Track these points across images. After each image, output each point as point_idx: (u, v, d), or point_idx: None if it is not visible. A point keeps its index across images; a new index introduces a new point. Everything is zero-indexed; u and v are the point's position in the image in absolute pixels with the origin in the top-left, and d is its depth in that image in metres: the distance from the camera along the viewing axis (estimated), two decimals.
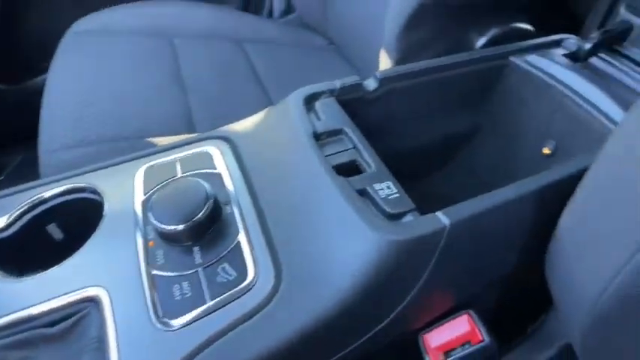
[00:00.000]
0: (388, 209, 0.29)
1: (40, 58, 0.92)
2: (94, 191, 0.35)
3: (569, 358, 0.42)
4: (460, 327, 0.34)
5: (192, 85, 0.68)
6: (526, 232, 0.33)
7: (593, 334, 0.32)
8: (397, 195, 0.30)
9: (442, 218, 0.28)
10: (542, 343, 0.42)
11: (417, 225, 0.28)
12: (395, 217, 0.29)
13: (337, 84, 0.40)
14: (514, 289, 0.40)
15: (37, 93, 0.69)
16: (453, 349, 0.34)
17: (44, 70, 0.84)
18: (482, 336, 0.33)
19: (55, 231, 0.37)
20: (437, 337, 0.34)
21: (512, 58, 0.47)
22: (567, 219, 0.30)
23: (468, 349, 0.33)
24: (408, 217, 0.29)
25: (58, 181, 0.36)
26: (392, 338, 0.32)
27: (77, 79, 0.65)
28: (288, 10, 0.97)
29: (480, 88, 0.48)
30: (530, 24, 0.55)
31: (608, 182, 0.27)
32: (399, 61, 0.52)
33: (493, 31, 0.53)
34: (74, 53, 0.71)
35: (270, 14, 1.01)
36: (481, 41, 0.53)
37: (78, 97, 0.60)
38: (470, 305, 0.35)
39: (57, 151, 0.52)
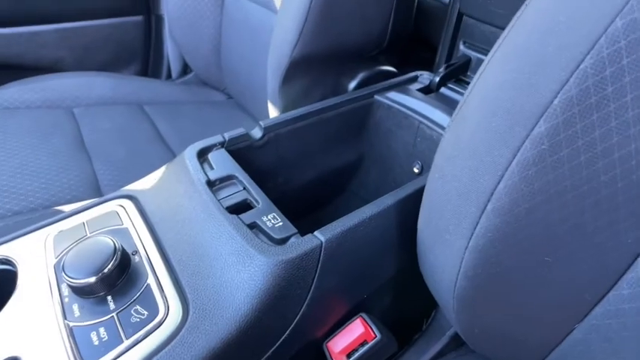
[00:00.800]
0: (274, 235, 0.34)
1: None
2: (7, 261, 0.37)
3: (459, 343, 0.49)
4: (356, 330, 0.39)
5: (96, 152, 0.70)
6: (395, 239, 0.40)
7: (462, 315, 0.38)
8: (281, 223, 0.36)
9: (318, 236, 0.34)
10: (436, 335, 0.48)
11: (298, 245, 0.33)
12: (280, 242, 0.34)
13: (226, 136, 0.46)
14: (404, 290, 0.46)
15: None
16: (354, 350, 0.39)
17: None
18: (375, 333, 0.39)
19: None
20: (338, 343, 0.39)
21: (376, 96, 0.56)
22: (420, 221, 0.37)
23: (365, 347, 0.38)
24: (292, 240, 0.34)
25: None
26: (298, 348, 0.37)
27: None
28: (185, 70, 1.03)
29: (355, 124, 0.56)
30: (393, 65, 0.65)
31: (437, 187, 0.35)
32: (283, 109, 0.59)
33: (361, 75, 0.62)
34: None
35: (169, 76, 1.06)
36: (352, 84, 0.62)
37: None
38: (365, 309, 0.41)
39: None
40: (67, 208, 0.56)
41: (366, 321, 0.39)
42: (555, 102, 0.27)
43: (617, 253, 0.28)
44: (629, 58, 0.24)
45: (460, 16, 0.59)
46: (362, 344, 0.39)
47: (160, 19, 1.03)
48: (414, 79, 0.60)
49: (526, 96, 0.28)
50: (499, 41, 0.31)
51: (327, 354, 0.39)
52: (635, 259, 0.28)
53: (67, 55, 0.97)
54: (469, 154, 0.31)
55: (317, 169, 0.56)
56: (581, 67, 0.26)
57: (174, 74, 1.04)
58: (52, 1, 0.92)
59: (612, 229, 0.27)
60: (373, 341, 0.38)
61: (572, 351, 0.35)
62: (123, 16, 1.00)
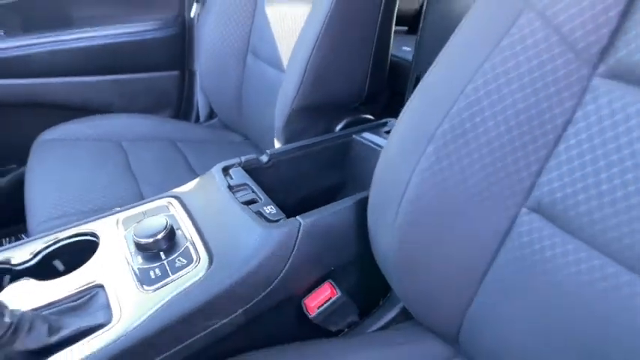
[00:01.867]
0: (270, 218, 0.53)
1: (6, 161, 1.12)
2: (92, 234, 0.56)
3: (407, 317, 0.65)
4: (325, 291, 0.57)
5: (141, 176, 0.90)
6: (354, 229, 0.57)
7: (400, 283, 0.55)
8: (275, 211, 0.54)
9: (299, 219, 0.52)
10: (388, 308, 0.65)
11: (284, 224, 0.51)
12: (273, 222, 0.52)
13: (242, 159, 0.65)
14: (365, 271, 0.63)
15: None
16: (322, 305, 0.56)
17: (11, 170, 1.04)
18: (337, 292, 0.56)
19: (58, 264, 0.56)
20: (313, 300, 0.56)
21: (354, 136, 0.75)
22: (368, 213, 0.55)
23: (329, 302, 0.55)
24: (281, 221, 0.52)
25: (62, 231, 0.57)
26: (281, 298, 0.54)
27: (50, 175, 0.85)
28: (211, 115, 1.24)
29: (339, 155, 0.75)
30: (370, 114, 0.85)
31: (376, 188, 0.53)
32: (285, 142, 0.78)
33: (345, 121, 0.82)
34: (45, 155, 0.91)
35: (197, 119, 1.28)
36: (338, 127, 0.82)
37: (54, 186, 0.80)
38: (334, 279, 0.58)
39: (44, 222, 0.71)
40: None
41: (332, 284, 0.56)
42: (439, 130, 0.46)
43: (502, 214, 0.45)
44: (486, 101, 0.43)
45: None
46: (327, 301, 0.56)
47: (192, 74, 1.27)
48: (384, 124, 0.79)
49: (426, 123, 0.47)
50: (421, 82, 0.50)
51: (304, 308, 0.56)
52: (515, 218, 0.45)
53: (117, 100, 1.20)
54: (394, 160, 0.49)
55: (309, 188, 0.74)
56: (453, 109, 0.45)
57: (201, 118, 1.26)
58: (110, 57, 1.16)
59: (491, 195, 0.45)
60: (335, 297, 0.55)
61: (479, 311, 0.50)
62: (163, 71, 1.24)
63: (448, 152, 0.46)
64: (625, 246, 0.37)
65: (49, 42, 1.11)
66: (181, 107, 1.30)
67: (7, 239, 1.16)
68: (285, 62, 0.92)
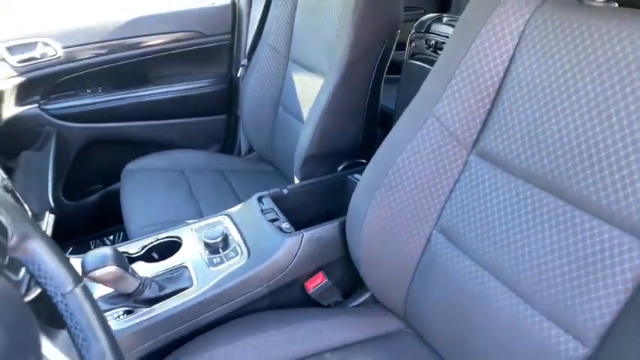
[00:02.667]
0: (285, 230, 0.86)
1: (94, 184, 1.51)
2: (177, 237, 0.91)
3: (375, 299, 0.96)
4: (318, 278, 0.89)
5: (200, 198, 1.25)
6: (338, 240, 0.90)
7: (364, 270, 0.87)
8: (288, 226, 0.88)
9: (302, 232, 0.86)
10: (362, 294, 0.96)
11: (293, 235, 0.85)
12: (286, 233, 0.86)
13: (270, 191, 0.99)
14: (346, 268, 0.94)
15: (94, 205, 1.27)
16: (316, 287, 0.89)
17: (98, 189, 1.42)
18: (326, 279, 0.89)
19: (155, 255, 0.91)
20: (310, 283, 0.89)
21: (349, 176, 1.08)
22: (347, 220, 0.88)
23: (320, 284, 0.88)
24: (292, 233, 0.86)
25: (158, 234, 0.92)
26: (290, 280, 0.87)
27: (138, 195, 1.22)
28: (250, 150, 1.60)
29: (337, 190, 1.08)
30: (365, 158, 1.18)
31: (350, 213, 0.85)
32: (301, 179, 1.12)
33: (345, 163, 1.16)
34: (132, 180, 1.29)
35: (239, 153, 1.64)
36: (340, 167, 1.15)
37: (142, 203, 1.17)
38: (325, 270, 0.91)
39: (139, 228, 1.07)
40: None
41: (323, 274, 0.89)
42: (384, 180, 0.78)
43: (422, 232, 0.77)
44: (408, 169, 0.76)
45: None
46: (319, 284, 0.89)
47: (237, 118, 1.63)
48: None
49: (379, 172, 0.79)
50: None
51: (305, 288, 0.89)
52: (430, 235, 0.77)
53: (178, 139, 1.58)
54: (359, 194, 0.82)
55: (314, 212, 1.07)
56: (392, 169, 0.77)
57: (242, 152, 1.62)
58: (175, 105, 1.54)
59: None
60: (324, 282, 0.88)
61: (414, 296, 0.81)
62: (214, 115, 1.61)
63: (388, 195, 0.78)
64: (488, 260, 0.68)
65: (131, 96, 1.50)
66: (227, 143, 1.67)
67: (108, 238, 1.56)
68: (305, 116, 1.26)
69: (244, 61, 1.47)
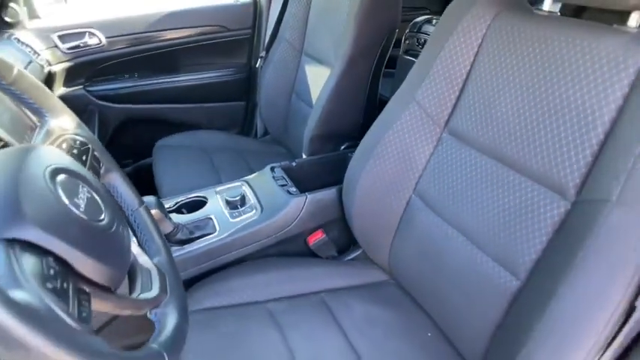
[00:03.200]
0: (292, 193, 1.04)
1: (126, 159, 1.71)
2: (204, 197, 1.09)
3: (366, 256, 1.14)
4: (318, 234, 1.08)
5: (220, 169, 1.44)
6: (336, 203, 1.08)
7: (357, 232, 1.05)
8: (295, 190, 1.06)
9: (307, 194, 1.04)
10: (355, 250, 1.14)
11: (299, 196, 1.03)
12: (293, 195, 1.04)
13: (282, 164, 1.17)
14: (342, 227, 1.12)
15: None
16: (315, 241, 1.07)
17: (128, 165, 1.61)
18: (324, 235, 1.07)
19: (184, 210, 1.10)
20: (311, 237, 1.08)
21: (349, 154, 1.25)
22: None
23: (318, 238, 1.07)
24: (298, 195, 1.04)
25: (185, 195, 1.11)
26: (295, 233, 1.05)
27: (169, 167, 1.41)
28: (266, 133, 1.79)
29: (338, 165, 1.26)
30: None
31: (345, 180, 1.03)
32: (309, 155, 1.30)
33: (347, 143, 1.33)
34: (164, 155, 1.48)
35: (256, 136, 1.83)
36: (342, 147, 1.33)
37: (173, 173, 1.36)
38: (324, 228, 1.09)
39: (171, 192, 1.26)
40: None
41: (322, 231, 1.07)
42: (373, 152, 0.96)
43: (404, 195, 0.95)
44: (393, 143, 0.94)
45: None
46: (317, 239, 1.07)
47: (254, 105, 1.82)
48: None
49: (369, 145, 0.98)
50: None
51: (307, 241, 1.07)
52: (409, 199, 0.95)
53: (202, 120, 1.77)
54: (353, 164, 1.00)
55: (318, 183, 1.25)
56: (379, 143, 0.95)
57: (258, 135, 1.81)
58: (201, 91, 1.74)
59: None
60: (322, 238, 1.06)
61: (395, 249, 0.99)
62: (234, 102, 1.80)
63: (377, 164, 0.96)
64: (451, 216, 0.85)
65: (163, 81, 1.70)
66: (245, 127, 1.86)
67: None
68: (314, 102, 1.44)
69: (263, 53, 1.65)
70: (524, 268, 0.72)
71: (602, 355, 0.60)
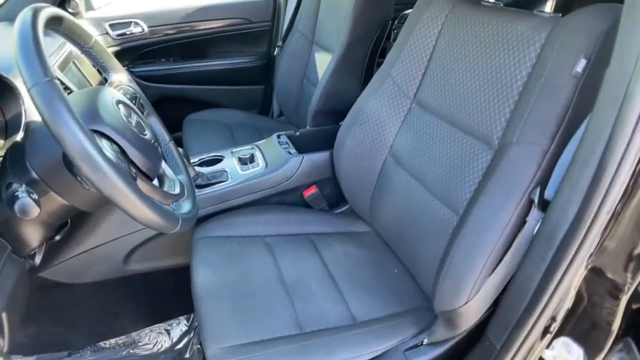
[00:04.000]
0: (292, 153, 1.27)
1: None
2: (221, 156, 1.33)
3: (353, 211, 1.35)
4: (312, 189, 1.30)
5: (238, 140, 1.68)
6: (328, 163, 1.30)
7: (344, 187, 1.26)
8: (295, 151, 1.28)
9: (303, 155, 1.26)
10: (343, 206, 1.36)
11: (297, 156, 1.26)
12: (293, 155, 1.27)
13: (286, 132, 1.40)
14: (333, 184, 1.33)
15: None
16: (308, 194, 1.30)
17: None
18: (316, 190, 1.29)
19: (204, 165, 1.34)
20: (307, 191, 1.30)
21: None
22: None
23: (313, 192, 1.29)
24: (297, 155, 1.27)
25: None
26: (293, 187, 1.27)
27: (195, 135, 1.66)
28: (281, 114, 2.03)
29: (334, 137, 1.48)
30: None
31: (335, 145, 1.25)
32: (311, 127, 1.53)
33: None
34: (192, 128, 1.73)
35: (272, 116, 2.07)
36: (340, 123, 1.54)
37: (198, 140, 1.61)
38: (318, 185, 1.31)
39: (198, 153, 1.51)
40: None
41: (316, 187, 1.30)
42: (357, 118, 1.18)
43: (380, 156, 1.17)
44: (371, 112, 1.16)
45: None
46: (311, 193, 1.29)
47: (272, 88, 2.06)
48: None
49: (355, 115, 1.20)
50: None
51: (303, 195, 1.30)
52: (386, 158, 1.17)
53: (225, 101, 2.02)
54: (342, 132, 1.22)
55: (317, 147, 1.47)
56: (363, 112, 1.17)
57: (274, 115, 2.05)
58: (225, 75, 1.99)
59: None
60: (314, 192, 1.29)
61: (374, 202, 1.21)
62: (254, 85, 2.05)
63: (359, 129, 1.17)
64: (414, 169, 1.06)
65: (193, 66, 1.96)
66: (263, 107, 2.11)
67: None
68: None
69: (280, 43, 1.89)
70: (462, 205, 0.92)
71: (497, 265, 0.80)
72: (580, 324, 0.66)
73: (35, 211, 0.68)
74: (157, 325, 1.21)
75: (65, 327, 1.16)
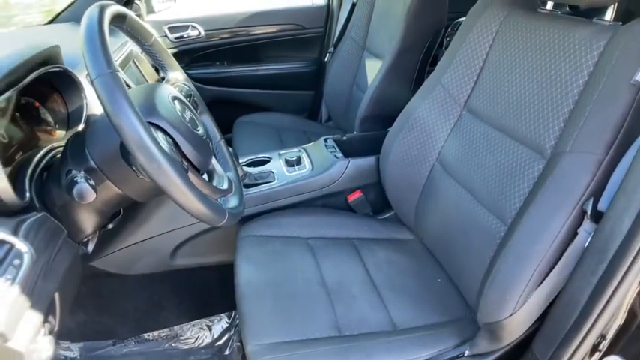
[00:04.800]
0: (338, 157, 1.28)
1: None
2: (268, 157, 1.36)
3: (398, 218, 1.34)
4: (356, 193, 1.30)
5: (286, 143, 1.71)
6: (374, 169, 1.30)
7: (389, 195, 1.26)
8: (341, 155, 1.29)
9: (350, 159, 1.27)
10: (387, 212, 1.35)
11: (343, 160, 1.26)
12: (340, 159, 1.27)
13: (334, 136, 1.41)
14: (378, 191, 1.32)
15: None
16: (352, 199, 1.30)
17: None
18: (360, 195, 1.29)
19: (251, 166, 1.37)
20: (352, 196, 1.30)
21: None
22: None
23: (357, 197, 1.29)
24: (343, 159, 1.27)
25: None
26: (338, 190, 1.28)
27: (245, 137, 1.71)
28: (329, 119, 2.04)
29: (382, 141, 1.48)
30: None
31: (382, 152, 1.25)
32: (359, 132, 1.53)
33: None
34: (242, 129, 1.78)
35: (321, 121, 2.09)
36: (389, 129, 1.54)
37: (248, 143, 1.65)
38: (363, 190, 1.31)
39: (247, 154, 1.55)
40: None
41: (360, 192, 1.30)
42: (406, 124, 1.18)
43: (428, 163, 1.16)
44: (420, 119, 1.15)
45: None
46: (355, 198, 1.29)
47: (321, 93, 2.08)
48: None
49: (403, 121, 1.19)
50: None
51: (347, 200, 1.30)
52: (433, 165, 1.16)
53: (275, 104, 2.07)
54: (388, 139, 1.22)
55: (364, 152, 1.47)
56: (410, 118, 1.17)
57: (323, 120, 2.07)
58: (276, 80, 2.03)
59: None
60: (358, 197, 1.28)
61: (419, 209, 1.19)
62: (304, 90, 2.08)
63: (407, 135, 1.16)
64: (463, 178, 1.04)
65: (246, 69, 2.02)
66: (312, 112, 2.13)
67: None
68: None
69: (331, 49, 1.91)
70: (510, 215, 0.89)
71: (545, 277, 0.77)
72: (632, 343, 0.62)
73: (92, 195, 0.72)
74: (199, 320, 1.24)
75: (112, 316, 1.21)
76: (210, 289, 1.23)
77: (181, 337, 1.20)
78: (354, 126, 1.60)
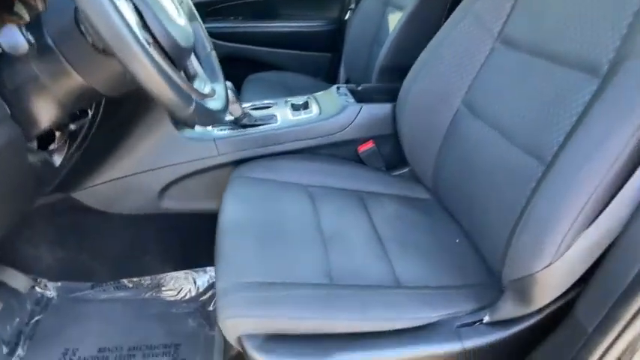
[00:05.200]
0: (349, 102, 1.13)
1: None
2: (273, 102, 1.22)
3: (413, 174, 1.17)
4: (368, 144, 1.15)
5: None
6: (389, 118, 1.14)
7: (405, 147, 1.10)
8: (353, 100, 1.14)
9: (362, 104, 1.12)
10: (402, 168, 1.19)
11: (356, 105, 1.12)
12: (351, 103, 1.12)
13: (347, 85, 1.26)
14: (393, 142, 1.16)
15: None
16: (363, 149, 1.14)
17: None
18: (372, 145, 1.14)
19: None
20: (363, 147, 1.15)
21: None
22: None
23: (369, 147, 1.14)
24: (355, 104, 1.13)
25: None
26: (349, 138, 1.13)
27: (255, 89, 1.58)
28: (348, 81, 1.89)
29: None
30: None
31: (399, 98, 1.09)
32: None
33: None
34: (253, 85, 1.65)
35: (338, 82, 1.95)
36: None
37: (256, 96, 1.52)
38: (375, 140, 1.15)
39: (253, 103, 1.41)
40: None
41: (373, 142, 1.14)
42: (427, 62, 1.02)
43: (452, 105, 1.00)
44: (446, 51, 0.99)
45: None
46: (366, 149, 1.14)
47: (340, 55, 1.94)
48: None
49: (425, 60, 1.03)
50: None
51: (357, 151, 1.15)
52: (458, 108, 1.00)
53: (291, 64, 1.93)
54: (405, 84, 1.06)
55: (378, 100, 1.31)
56: (436, 53, 1.01)
57: (341, 82, 1.92)
58: (293, 39, 1.90)
59: None
60: (370, 147, 1.13)
61: (439, 160, 1.03)
62: (322, 52, 1.94)
63: (429, 72, 1.01)
64: (492, 117, 0.87)
65: (261, 26, 1.89)
66: (329, 73, 1.99)
67: None
68: None
69: (352, 6, 1.76)
70: (551, 152, 0.71)
71: (594, 220, 0.61)
72: None
73: (24, 47, 0.58)
74: (184, 271, 1.12)
75: (91, 256, 1.10)
76: (198, 237, 1.09)
77: (163, 288, 1.08)
78: (369, 77, 1.45)
